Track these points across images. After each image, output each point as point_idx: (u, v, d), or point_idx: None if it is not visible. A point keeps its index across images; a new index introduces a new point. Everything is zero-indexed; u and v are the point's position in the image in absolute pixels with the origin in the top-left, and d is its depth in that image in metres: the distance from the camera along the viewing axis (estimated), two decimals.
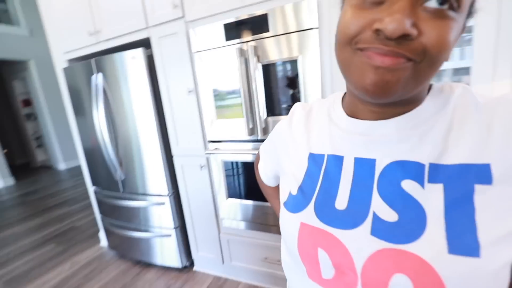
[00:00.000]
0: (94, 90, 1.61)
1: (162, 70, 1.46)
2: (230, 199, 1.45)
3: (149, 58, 1.48)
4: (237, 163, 1.38)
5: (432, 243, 0.26)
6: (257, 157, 0.59)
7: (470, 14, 0.28)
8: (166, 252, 1.72)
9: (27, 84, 4.91)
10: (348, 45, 0.27)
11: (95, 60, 1.58)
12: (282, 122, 0.46)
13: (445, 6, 0.24)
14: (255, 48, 1.17)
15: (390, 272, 0.28)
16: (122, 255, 1.98)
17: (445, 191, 0.28)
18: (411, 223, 0.28)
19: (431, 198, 0.28)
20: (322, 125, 0.38)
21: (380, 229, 0.29)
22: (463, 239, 0.25)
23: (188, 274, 1.71)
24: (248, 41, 1.19)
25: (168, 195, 1.61)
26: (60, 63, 1.87)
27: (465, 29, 0.29)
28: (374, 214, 0.30)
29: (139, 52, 1.44)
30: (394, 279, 0.27)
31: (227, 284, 1.59)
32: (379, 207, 0.30)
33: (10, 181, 4.44)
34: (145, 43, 1.51)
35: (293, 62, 1.12)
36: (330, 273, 0.32)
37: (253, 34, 1.17)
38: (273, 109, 1.21)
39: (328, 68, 1.10)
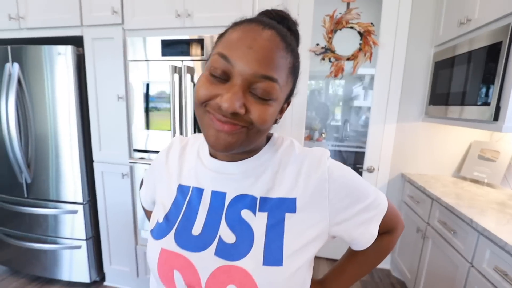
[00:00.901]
0: (6, 79, 1.44)
1: (93, 72, 1.40)
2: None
3: (79, 58, 1.41)
4: None
5: (253, 259, 0.35)
6: (142, 181, 0.60)
7: (291, 94, 0.40)
8: (74, 266, 1.56)
9: None
10: (201, 106, 0.35)
11: (12, 48, 1.42)
12: (161, 153, 0.50)
13: (262, 97, 0.34)
14: (189, 68, 1.25)
15: (225, 284, 0.35)
16: (15, 271, 1.71)
17: (268, 218, 0.38)
18: (243, 243, 0.37)
19: (259, 223, 0.38)
20: (192, 160, 0.46)
21: (222, 249, 0.37)
22: (273, 254, 0.36)
23: None
24: (183, 60, 1.26)
25: (82, 203, 1.49)
26: None
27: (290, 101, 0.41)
28: (220, 237, 0.38)
29: (68, 49, 1.36)
30: None
31: None
32: (224, 232, 0.39)
33: None
34: (76, 41, 1.44)
35: None
36: None
37: (189, 54, 1.25)
38: None
39: None
